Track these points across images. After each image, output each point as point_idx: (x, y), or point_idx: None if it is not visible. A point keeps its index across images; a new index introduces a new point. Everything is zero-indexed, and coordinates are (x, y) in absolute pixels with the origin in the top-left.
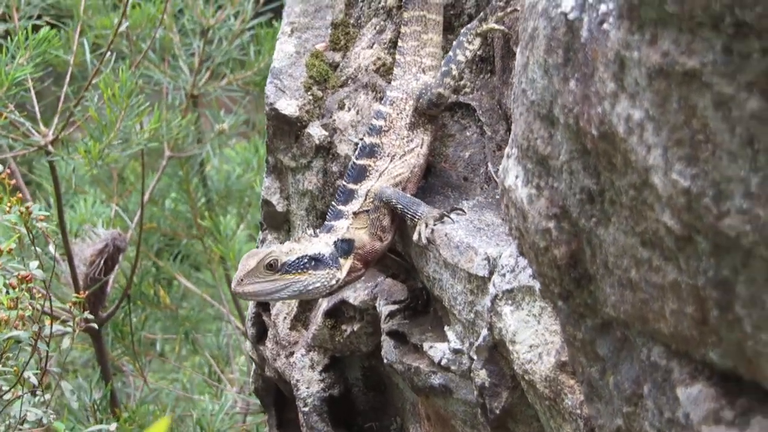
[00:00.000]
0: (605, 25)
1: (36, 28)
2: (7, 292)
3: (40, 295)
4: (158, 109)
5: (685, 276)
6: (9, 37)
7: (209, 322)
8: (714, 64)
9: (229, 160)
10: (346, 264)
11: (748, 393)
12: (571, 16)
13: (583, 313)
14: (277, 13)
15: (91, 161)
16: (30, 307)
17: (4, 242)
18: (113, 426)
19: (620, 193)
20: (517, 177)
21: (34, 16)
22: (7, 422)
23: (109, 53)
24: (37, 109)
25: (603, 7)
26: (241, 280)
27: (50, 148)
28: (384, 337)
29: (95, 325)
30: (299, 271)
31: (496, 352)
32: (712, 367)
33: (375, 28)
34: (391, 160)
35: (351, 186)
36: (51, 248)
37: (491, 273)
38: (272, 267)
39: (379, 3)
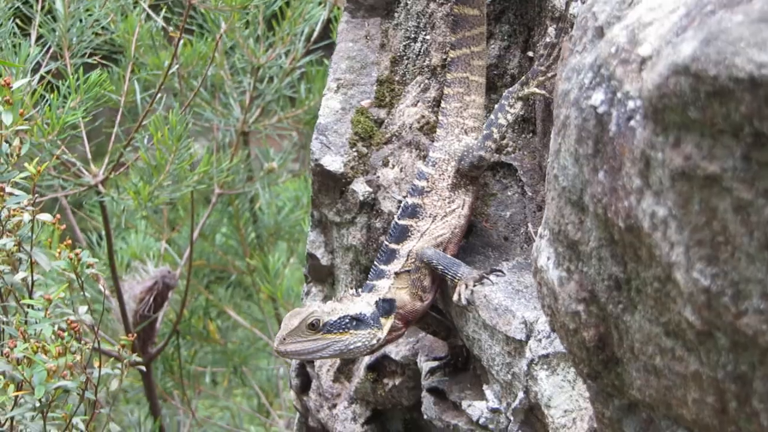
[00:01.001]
0: (632, 122)
1: (87, 68)
2: (57, 339)
3: (86, 342)
4: (208, 151)
5: (705, 368)
6: (61, 77)
7: (258, 355)
8: (734, 170)
9: (279, 197)
10: (387, 323)
11: None
12: (600, 110)
13: (610, 392)
14: (328, 51)
15: (140, 203)
16: (78, 355)
17: (54, 287)
18: None
19: (645, 283)
20: (548, 258)
21: (86, 54)
22: None
23: (160, 93)
24: (87, 148)
25: (631, 104)
26: (284, 339)
27: (101, 188)
28: (424, 393)
29: (143, 368)
30: (341, 330)
31: (532, 414)
32: None
33: (419, 86)
34: (432, 221)
35: (393, 246)
36: (101, 286)
37: (528, 337)
38: (314, 327)
39: (424, 61)
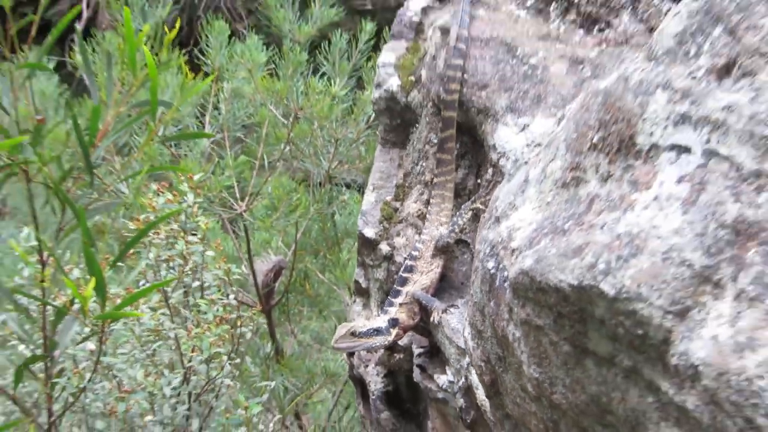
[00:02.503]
0: (505, 285)
1: (237, 140)
2: (215, 324)
3: (236, 315)
4: (305, 192)
5: (538, 411)
6: (221, 147)
7: (334, 303)
8: (550, 325)
9: (351, 213)
10: (394, 332)
11: None
12: (491, 271)
13: (497, 406)
14: (376, 127)
15: (268, 228)
16: (229, 326)
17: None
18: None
19: (511, 363)
20: (469, 333)
21: (237, 130)
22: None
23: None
24: (236, 191)
25: (505, 274)
26: (337, 340)
27: (244, 215)
28: (414, 366)
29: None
30: (368, 336)
31: (470, 391)
32: None
33: (418, 191)
34: (421, 275)
35: (398, 288)
36: (243, 267)
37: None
38: (354, 334)
39: (421, 178)
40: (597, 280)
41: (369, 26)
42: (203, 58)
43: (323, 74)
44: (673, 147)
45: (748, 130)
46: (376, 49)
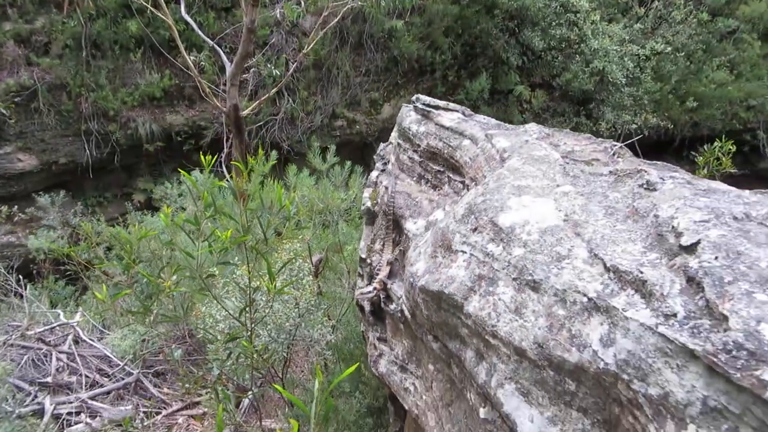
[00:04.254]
0: (416, 286)
1: None
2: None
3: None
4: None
5: (424, 322)
6: None
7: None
8: (428, 302)
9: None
10: (374, 291)
11: None
12: (411, 280)
13: (413, 318)
14: None
15: (318, 242)
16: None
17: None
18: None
19: (416, 306)
20: (403, 295)
21: None
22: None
23: None
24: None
25: (416, 282)
26: (356, 293)
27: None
28: (381, 300)
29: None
30: (365, 292)
31: (403, 311)
32: None
33: (380, 243)
34: (380, 272)
35: (376, 276)
36: (308, 260)
37: None
38: (361, 291)
39: (381, 236)
40: (443, 288)
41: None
42: None
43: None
44: (463, 249)
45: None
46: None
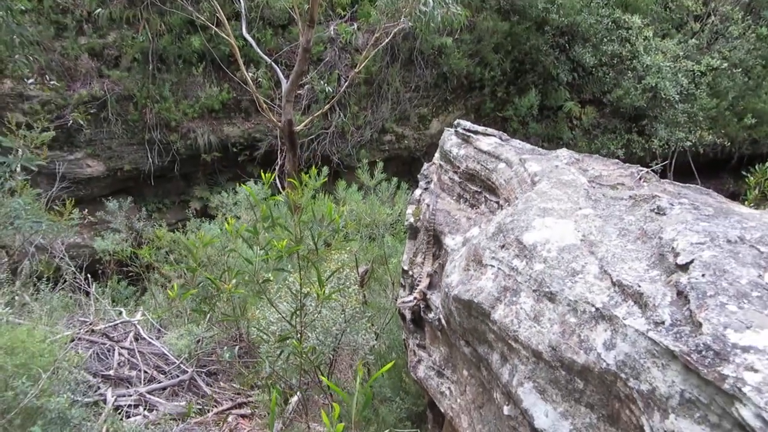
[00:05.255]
0: (451, 295)
1: None
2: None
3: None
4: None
5: (456, 328)
6: None
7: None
8: (460, 309)
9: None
10: (414, 300)
11: None
12: (446, 290)
13: (448, 325)
14: None
15: (365, 254)
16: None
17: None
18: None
19: (450, 314)
20: (440, 305)
21: None
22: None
23: None
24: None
25: (450, 292)
26: (398, 302)
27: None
28: (421, 310)
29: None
30: (407, 302)
31: (440, 320)
32: None
33: (421, 256)
34: (420, 283)
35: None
36: (354, 271)
37: None
38: (403, 300)
39: (422, 250)
40: (473, 297)
41: None
42: None
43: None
44: (492, 263)
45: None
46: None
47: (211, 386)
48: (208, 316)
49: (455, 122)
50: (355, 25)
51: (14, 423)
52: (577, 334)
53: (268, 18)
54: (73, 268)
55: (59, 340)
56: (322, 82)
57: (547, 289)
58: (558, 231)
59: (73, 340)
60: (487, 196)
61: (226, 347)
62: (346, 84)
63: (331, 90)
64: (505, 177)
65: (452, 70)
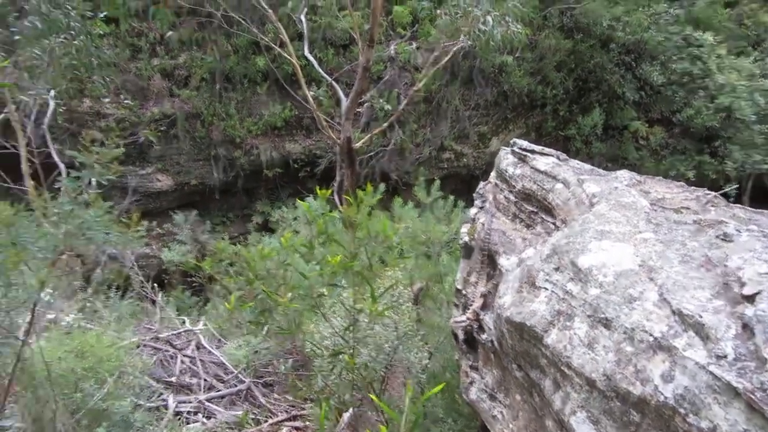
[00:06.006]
0: (503, 316)
1: None
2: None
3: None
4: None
5: (509, 351)
6: None
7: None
8: (512, 332)
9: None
10: (467, 320)
11: None
12: (498, 311)
13: (501, 347)
14: None
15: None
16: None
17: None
18: None
19: (503, 336)
20: (492, 325)
21: None
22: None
23: None
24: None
25: (503, 313)
26: (451, 321)
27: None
28: (474, 330)
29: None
30: (460, 322)
31: (492, 341)
32: None
33: (474, 276)
34: (474, 303)
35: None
36: (409, 289)
37: None
38: (456, 320)
39: (477, 269)
40: (526, 320)
41: None
42: None
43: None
44: (546, 286)
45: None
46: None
47: (266, 397)
48: (265, 328)
49: (512, 141)
50: (415, 45)
51: (81, 423)
52: (633, 363)
53: (329, 38)
54: (141, 278)
55: (126, 346)
56: (381, 100)
57: (602, 315)
58: (615, 255)
59: (138, 347)
60: (543, 216)
61: (282, 359)
62: (406, 102)
63: (390, 108)
64: (562, 198)
65: (513, 89)
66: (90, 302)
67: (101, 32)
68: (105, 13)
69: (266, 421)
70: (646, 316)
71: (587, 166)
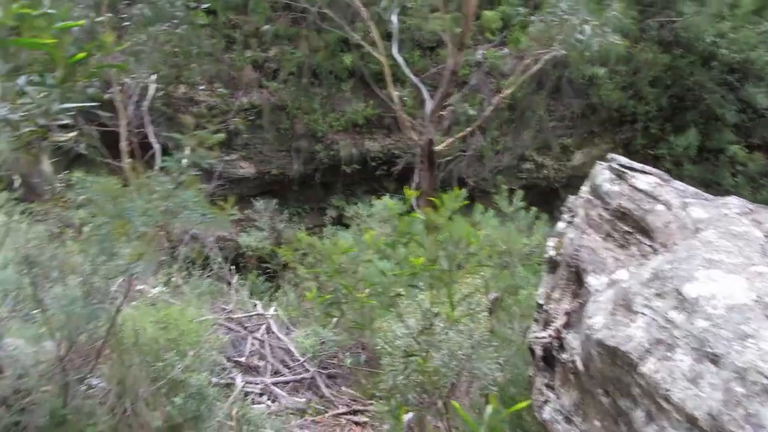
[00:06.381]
0: (593, 338)
1: None
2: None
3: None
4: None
5: (594, 374)
6: None
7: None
8: (603, 355)
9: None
10: (548, 337)
11: None
12: (587, 332)
13: (586, 369)
14: None
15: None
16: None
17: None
18: None
19: (590, 358)
20: (578, 345)
21: None
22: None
23: None
24: None
25: (593, 335)
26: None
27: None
28: (554, 348)
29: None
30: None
31: (575, 362)
32: None
33: (558, 292)
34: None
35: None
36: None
37: None
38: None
39: (562, 285)
40: (619, 345)
41: None
42: None
43: None
44: (644, 311)
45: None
46: None
47: (329, 388)
48: (335, 320)
49: (609, 156)
50: (506, 50)
51: (160, 391)
52: (743, 406)
53: (417, 39)
54: (220, 259)
55: (205, 322)
56: (465, 104)
57: (709, 350)
58: (726, 287)
59: (213, 324)
60: (640, 237)
61: (348, 353)
62: (492, 108)
63: (473, 113)
64: (663, 220)
65: (602, 102)
66: (173, 277)
67: (201, 23)
68: (208, 4)
69: (327, 412)
70: (761, 356)
71: (691, 189)
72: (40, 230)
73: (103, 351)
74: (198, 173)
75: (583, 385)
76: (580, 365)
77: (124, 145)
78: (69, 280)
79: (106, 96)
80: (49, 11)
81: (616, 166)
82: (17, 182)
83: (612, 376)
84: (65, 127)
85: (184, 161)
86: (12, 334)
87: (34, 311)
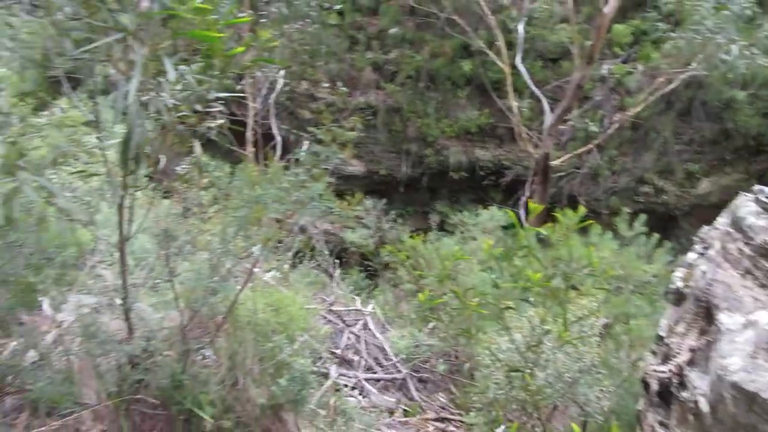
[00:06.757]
0: (726, 380)
1: None
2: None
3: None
4: None
5: (726, 420)
6: None
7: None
8: (745, 398)
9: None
10: (670, 372)
11: None
12: (719, 372)
13: (713, 414)
14: None
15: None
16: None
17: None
18: None
19: (721, 401)
20: (707, 387)
21: None
22: None
23: None
24: None
25: (727, 377)
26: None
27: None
28: (673, 385)
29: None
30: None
31: (697, 403)
32: None
33: (683, 327)
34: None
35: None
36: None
37: None
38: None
39: (687, 319)
40: (760, 391)
41: None
42: None
43: None
44: None
45: None
46: None
47: (419, 392)
48: (431, 325)
49: (756, 188)
50: (639, 67)
51: (267, 371)
52: None
53: (539, 50)
54: (326, 252)
55: (312, 311)
56: (586, 120)
57: None
58: None
59: (316, 315)
60: None
61: (441, 359)
62: (616, 126)
63: (595, 129)
64: None
65: (738, 127)
66: (284, 265)
67: (331, 23)
68: (340, 5)
69: (415, 416)
70: None
71: None
72: (174, 207)
73: (223, 325)
74: (327, 168)
75: (705, 428)
76: (704, 406)
77: (249, 134)
78: (198, 256)
79: (238, 87)
80: (220, 7)
81: (764, 199)
82: (162, 162)
83: (746, 422)
84: (207, 114)
85: (321, 156)
86: (143, 299)
87: (165, 281)
